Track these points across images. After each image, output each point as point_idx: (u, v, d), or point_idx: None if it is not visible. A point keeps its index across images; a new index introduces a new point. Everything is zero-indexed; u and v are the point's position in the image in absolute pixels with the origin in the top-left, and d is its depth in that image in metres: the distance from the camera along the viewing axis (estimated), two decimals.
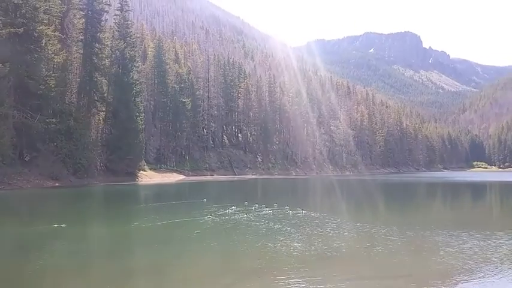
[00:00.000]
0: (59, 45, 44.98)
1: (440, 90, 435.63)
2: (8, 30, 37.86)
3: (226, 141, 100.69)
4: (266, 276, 10.30)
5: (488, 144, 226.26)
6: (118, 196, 37.32)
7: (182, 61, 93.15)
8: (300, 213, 21.64)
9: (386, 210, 28.10)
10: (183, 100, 79.89)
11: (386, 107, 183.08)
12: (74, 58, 51.17)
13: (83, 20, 51.63)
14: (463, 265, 11.44)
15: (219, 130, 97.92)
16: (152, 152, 72.90)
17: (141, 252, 14.14)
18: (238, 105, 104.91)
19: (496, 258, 12.29)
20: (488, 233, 16.69)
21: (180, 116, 79.05)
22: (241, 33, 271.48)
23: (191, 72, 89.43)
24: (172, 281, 10.18)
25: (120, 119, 54.35)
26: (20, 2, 39.22)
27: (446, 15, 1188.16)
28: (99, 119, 55.59)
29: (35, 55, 40.99)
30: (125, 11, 60.81)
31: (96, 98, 52.79)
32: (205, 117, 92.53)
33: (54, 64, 45.93)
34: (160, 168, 70.09)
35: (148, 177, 59.44)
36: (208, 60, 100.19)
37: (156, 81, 77.64)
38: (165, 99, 77.65)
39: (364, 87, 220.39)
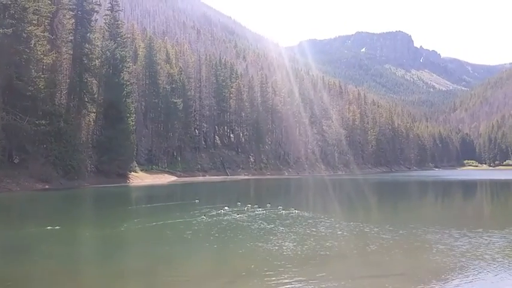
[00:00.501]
0: (48, 46, 44.41)
1: (431, 90, 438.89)
2: None
3: (218, 142, 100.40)
4: (258, 277, 10.22)
5: (478, 143, 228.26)
6: (109, 198, 37.03)
7: (173, 61, 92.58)
8: (293, 213, 21.62)
9: (379, 209, 28.20)
10: (175, 100, 79.47)
11: (378, 106, 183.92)
12: (64, 59, 50.60)
13: (73, 20, 51.08)
14: (455, 262, 11.48)
15: (211, 130, 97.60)
16: (143, 153, 72.42)
17: (133, 253, 14.00)
18: (230, 106, 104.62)
19: (487, 255, 12.35)
20: (479, 230, 16.79)
21: (171, 117, 78.63)
22: (233, 33, 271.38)
23: (182, 72, 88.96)
24: (164, 283, 10.07)
25: (110, 120, 53.88)
26: (9, 2, 38.68)
27: (437, 14, 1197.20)
28: (89, 120, 55.08)
29: (24, 56, 40.44)
30: (115, 11, 60.36)
31: (86, 99, 52.27)
32: (197, 118, 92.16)
33: (43, 65, 45.40)
34: (151, 169, 69.62)
35: (140, 179, 59.02)
36: (199, 60, 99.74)
37: (147, 82, 77.17)
38: (156, 100, 77.21)
39: (356, 87, 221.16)
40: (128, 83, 59.78)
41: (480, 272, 10.54)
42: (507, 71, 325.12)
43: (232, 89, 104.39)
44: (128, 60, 63.00)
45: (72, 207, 29.06)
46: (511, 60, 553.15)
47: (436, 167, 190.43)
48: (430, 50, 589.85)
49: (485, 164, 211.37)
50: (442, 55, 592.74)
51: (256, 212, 21.95)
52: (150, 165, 71.12)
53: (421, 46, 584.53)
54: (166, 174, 70.55)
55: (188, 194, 39.10)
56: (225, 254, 13.20)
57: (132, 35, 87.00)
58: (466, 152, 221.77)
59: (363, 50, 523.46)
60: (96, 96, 54.04)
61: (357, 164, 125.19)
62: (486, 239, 14.82)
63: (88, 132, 54.69)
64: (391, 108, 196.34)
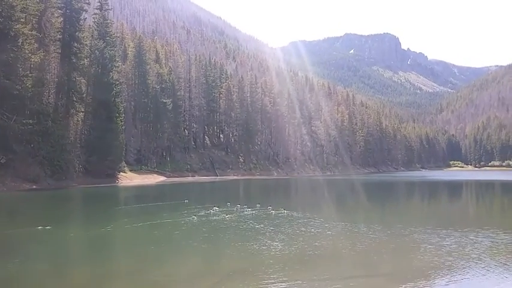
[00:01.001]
0: (36, 45, 43.85)
1: (418, 91, 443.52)
2: None
3: (208, 142, 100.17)
4: (247, 277, 10.28)
5: (464, 144, 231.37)
6: (98, 198, 36.73)
7: (163, 61, 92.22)
8: (282, 213, 21.72)
9: (367, 209, 28.46)
10: (164, 101, 79.14)
11: (366, 107, 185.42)
12: (52, 58, 49.96)
13: (61, 18, 50.51)
14: (442, 262, 11.68)
15: (200, 131, 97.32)
16: (132, 153, 71.94)
17: (121, 253, 13.97)
18: (219, 106, 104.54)
19: (474, 254, 12.59)
20: (466, 230, 17.10)
21: (161, 117, 78.28)
22: (222, 33, 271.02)
23: (172, 72, 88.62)
24: (152, 283, 10.03)
25: (99, 119, 53.41)
26: None
27: (425, 17, 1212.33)
28: (77, 120, 54.49)
29: (12, 54, 39.81)
30: (104, 10, 59.82)
31: (74, 99, 51.71)
32: (187, 118, 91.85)
33: (31, 64, 44.72)
34: (140, 169, 69.21)
35: (129, 179, 58.65)
36: (189, 60, 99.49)
37: (136, 82, 76.67)
38: (145, 100, 76.76)
39: (345, 88, 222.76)
40: (117, 82, 59.36)
41: (467, 271, 10.75)
42: (492, 73, 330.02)
43: (222, 90, 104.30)
44: (117, 59, 62.56)
45: (61, 207, 28.74)
46: (496, 62, 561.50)
47: (423, 167, 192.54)
48: (417, 52, 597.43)
49: (471, 165, 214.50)
50: (429, 57, 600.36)
51: (245, 212, 22.01)
52: (139, 165, 70.71)
53: (408, 48, 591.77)
54: (155, 175, 70.21)
55: (177, 194, 38.96)
56: (213, 254, 13.24)
57: (122, 34, 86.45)
58: (452, 153, 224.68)
59: (352, 51, 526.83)
60: (84, 95, 53.46)
61: (345, 164, 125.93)
62: (472, 239, 15.10)
63: (76, 132, 54.10)
64: (379, 110, 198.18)
